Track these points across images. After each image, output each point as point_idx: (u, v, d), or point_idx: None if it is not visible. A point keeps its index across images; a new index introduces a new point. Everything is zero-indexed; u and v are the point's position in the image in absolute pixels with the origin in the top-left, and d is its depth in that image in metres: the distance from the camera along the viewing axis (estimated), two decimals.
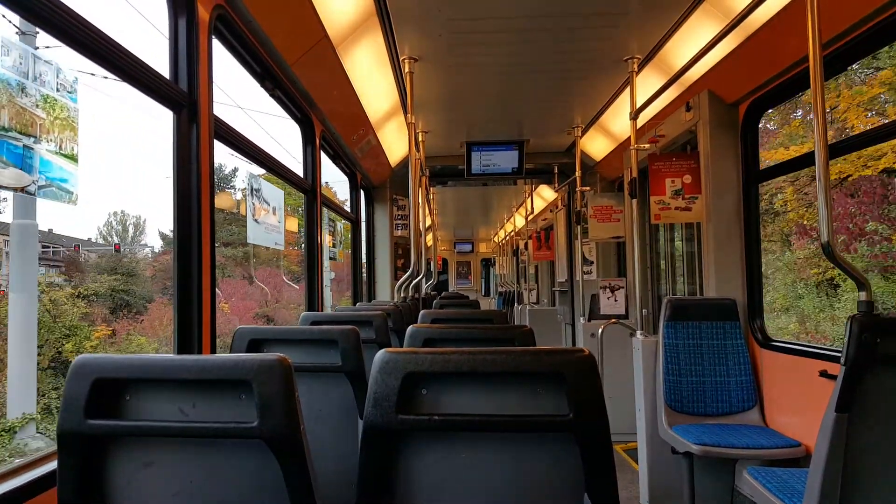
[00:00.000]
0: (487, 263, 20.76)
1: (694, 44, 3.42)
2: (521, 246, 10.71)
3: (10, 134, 1.27)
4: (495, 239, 17.54)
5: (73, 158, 1.46)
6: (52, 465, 1.49)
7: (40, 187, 1.36)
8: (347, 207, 6.23)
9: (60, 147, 1.43)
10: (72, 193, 1.44)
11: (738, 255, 3.70)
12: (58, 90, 1.42)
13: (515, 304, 10.80)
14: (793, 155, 7.62)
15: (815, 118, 2.13)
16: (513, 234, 12.64)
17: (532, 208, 8.93)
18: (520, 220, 11.65)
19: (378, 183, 6.89)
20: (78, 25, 1.59)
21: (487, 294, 20.29)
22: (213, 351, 2.29)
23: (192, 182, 2.18)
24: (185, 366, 1.10)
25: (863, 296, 2.01)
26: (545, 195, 9.45)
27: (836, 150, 2.91)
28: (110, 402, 1.12)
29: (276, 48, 3.00)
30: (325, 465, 2.03)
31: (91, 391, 1.08)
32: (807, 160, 3.21)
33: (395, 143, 5.84)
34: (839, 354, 2.30)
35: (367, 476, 1.17)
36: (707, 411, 3.39)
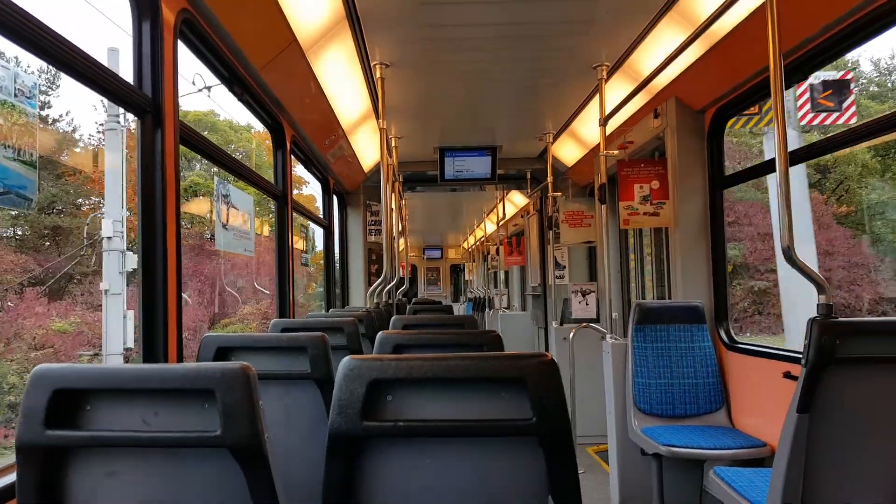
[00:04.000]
0: (457, 269, 20.80)
1: (661, 52, 3.48)
2: (493, 251, 10.75)
3: None
4: (464, 245, 17.60)
5: (31, 165, 1.43)
6: (11, 477, 1.46)
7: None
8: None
9: (18, 153, 1.40)
10: (31, 200, 1.41)
11: (704, 259, 3.77)
12: (15, 95, 1.39)
13: (487, 310, 10.84)
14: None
15: (776, 126, 2.19)
16: (483, 240, 12.68)
17: (504, 214, 8.99)
18: (490, 226, 11.71)
19: (351, 188, 6.86)
20: (36, 29, 1.56)
21: (457, 300, 20.33)
22: (181, 359, 2.26)
23: (157, 188, 2.14)
24: (147, 375, 1.08)
25: (822, 298, 2.06)
26: (516, 201, 9.52)
27: (795, 157, 2.99)
28: (70, 412, 1.10)
29: (243, 52, 2.97)
30: (294, 472, 2.01)
31: (50, 402, 1.06)
32: (768, 167, 3.29)
33: (367, 148, 5.83)
34: (801, 356, 2.36)
35: (332, 483, 1.17)
36: (675, 413, 3.44)
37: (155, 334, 2.12)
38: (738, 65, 3.22)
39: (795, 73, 2.92)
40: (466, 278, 18.30)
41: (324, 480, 1.17)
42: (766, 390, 3.14)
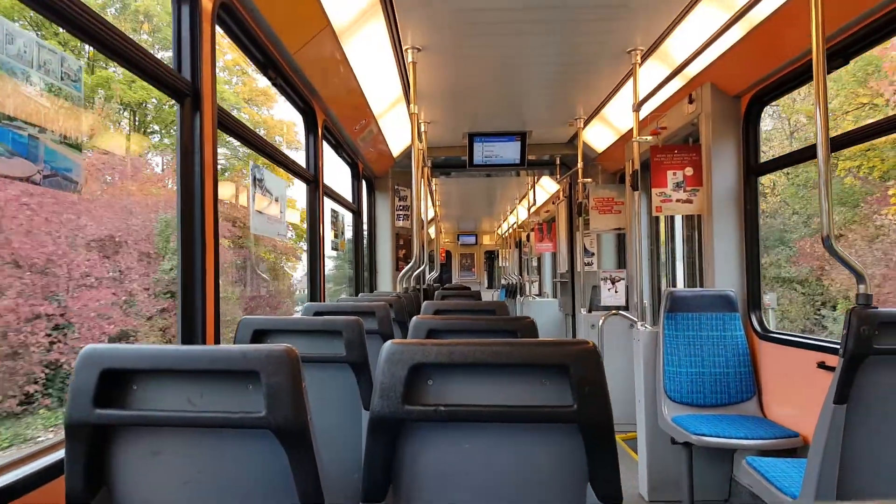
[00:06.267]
0: (491, 255, 20.73)
1: (696, 36, 3.41)
2: (524, 238, 10.70)
3: (15, 123, 1.28)
4: (498, 231, 17.53)
5: (77, 148, 1.47)
6: (60, 454, 1.50)
7: (45, 177, 1.38)
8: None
9: (65, 136, 1.44)
10: (76, 183, 1.45)
11: (737, 247, 3.71)
12: (62, 79, 1.43)
13: (518, 296, 10.82)
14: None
15: (818, 111, 2.13)
16: (515, 226, 12.63)
17: (535, 200, 8.93)
18: (522, 212, 11.63)
19: (380, 173, 6.89)
20: (82, 14, 1.59)
21: (491, 286, 20.29)
22: (217, 341, 2.31)
23: (196, 172, 2.18)
24: (194, 356, 1.11)
25: (862, 288, 2.02)
26: (547, 187, 9.45)
27: (837, 143, 2.91)
28: (118, 392, 1.14)
29: (278, 37, 3.00)
30: (327, 453, 2.05)
31: (99, 381, 1.10)
32: (808, 153, 3.21)
33: (397, 133, 5.84)
34: (837, 346, 2.31)
35: (373, 465, 1.19)
36: (706, 402, 3.41)
37: (193, 316, 2.17)
38: (777, 49, 3.14)
39: (836, 57, 2.83)
40: (500, 264, 18.23)
41: (364, 462, 1.19)
42: (800, 380, 3.10)
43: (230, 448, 1.14)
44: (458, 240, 19.93)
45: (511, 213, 13.10)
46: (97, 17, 1.64)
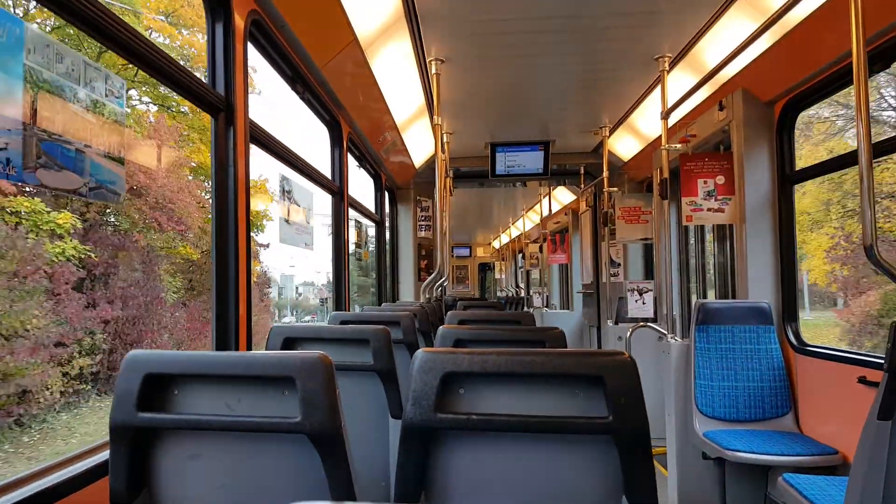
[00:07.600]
0: (485, 268, 20.63)
1: (727, 42, 3.37)
2: (536, 249, 10.57)
3: (63, 138, 1.30)
4: (493, 244, 17.45)
5: (119, 161, 1.50)
6: (105, 455, 1.55)
7: (91, 189, 1.40)
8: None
9: (109, 150, 1.46)
10: (119, 195, 1.48)
11: (772, 257, 3.64)
12: (106, 95, 1.45)
13: (525, 308, 10.70)
14: None
15: (859, 116, 2.08)
16: (519, 237, 12.49)
17: (550, 210, 8.86)
18: (528, 224, 11.54)
19: (402, 184, 6.91)
20: (124, 32, 1.62)
21: (484, 298, 20.12)
22: (249, 348, 2.33)
23: (230, 184, 2.21)
24: (232, 362, 1.14)
25: None
26: (560, 197, 9.37)
27: (881, 149, 2.84)
28: (160, 396, 1.17)
29: (307, 51, 3.03)
30: (355, 460, 2.05)
31: (142, 386, 1.13)
32: (848, 160, 3.14)
33: (419, 144, 5.86)
34: (880, 361, 2.25)
35: (406, 473, 1.19)
36: (739, 417, 3.33)
37: (227, 324, 2.19)
38: (813, 53, 3.08)
39: (876, 61, 2.77)
40: (496, 276, 18.14)
41: (397, 468, 1.20)
42: (839, 396, 3.01)
43: (266, 452, 1.16)
44: (453, 252, 19.73)
45: (513, 224, 13.01)
46: (139, 36, 1.68)
